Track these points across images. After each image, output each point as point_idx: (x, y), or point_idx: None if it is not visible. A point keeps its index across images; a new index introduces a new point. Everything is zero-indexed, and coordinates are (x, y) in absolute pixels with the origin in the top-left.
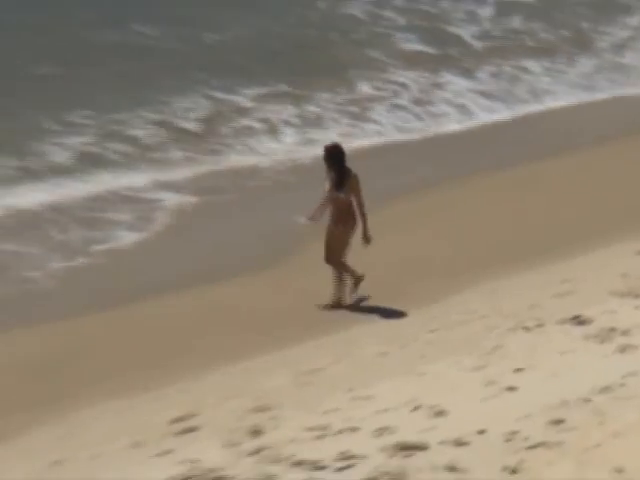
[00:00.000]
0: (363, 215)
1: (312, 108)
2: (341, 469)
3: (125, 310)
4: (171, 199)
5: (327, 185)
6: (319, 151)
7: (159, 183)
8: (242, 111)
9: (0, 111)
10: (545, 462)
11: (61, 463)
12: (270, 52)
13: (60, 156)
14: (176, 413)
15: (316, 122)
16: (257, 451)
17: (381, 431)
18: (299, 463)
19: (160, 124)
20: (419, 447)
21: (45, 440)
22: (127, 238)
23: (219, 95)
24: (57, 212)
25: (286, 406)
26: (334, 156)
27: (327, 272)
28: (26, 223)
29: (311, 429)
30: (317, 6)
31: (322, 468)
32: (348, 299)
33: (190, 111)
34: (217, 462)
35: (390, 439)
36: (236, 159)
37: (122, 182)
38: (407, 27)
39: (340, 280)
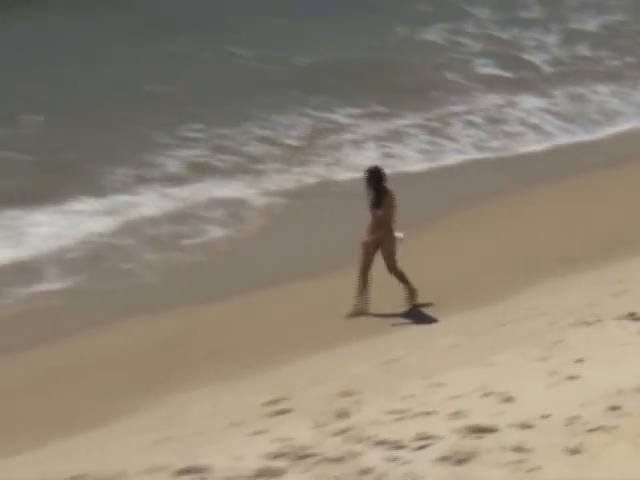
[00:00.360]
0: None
1: (397, 126)
2: (419, 448)
3: (222, 303)
4: (267, 205)
5: (367, 203)
6: (403, 166)
7: (259, 191)
8: (336, 128)
9: (120, 125)
10: (603, 444)
11: (168, 440)
12: (357, 74)
13: (172, 166)
14: (270, 396)
15: (400, 139)
16: (343, 431)
17: (455, 415)
18: (380, 443)
19: (262, 139)
20: (489, 429)
21: (153, 419)
22: (224, 239)
23: (314, 113)
24: (168, 216)
25: (369, 391)
26: (374, 177)
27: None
28: (140, 225)
29: (391, 412)
30: (396, 31)
31: (401, 447)
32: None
33: (289, 127)
34: (307, 441)
35: (463, 422)
36: (328, 171)
37: (224, 190)
38: (481, 52)
39: (361, 290)
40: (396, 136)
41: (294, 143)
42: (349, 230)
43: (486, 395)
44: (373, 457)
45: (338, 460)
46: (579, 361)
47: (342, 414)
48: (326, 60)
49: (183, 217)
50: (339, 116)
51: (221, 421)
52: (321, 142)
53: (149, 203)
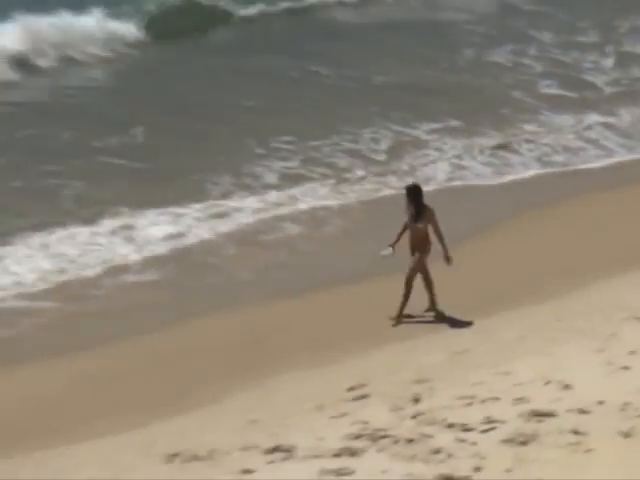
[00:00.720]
0: (442, 239)
1: (469, 141)
2: (485, 431)
3: (305, 298)
4: (348, 211)
5: (407, 218)
6: (473, 179)
7: (342, 199)
8: (414, 142)
9: (218, 137)
10: None
11: (259, 421)
12: (431, 92)
13: (266, 175)
14: (350, 383)
15: (471, 153)
16: (416, 415)
17: (518, 401)
18: (451, 425)
19: (349, 151)
20: (549, 414)
21: (246, 402)
22: (309, 240)
23: (393, 127)
24: (261, 220)
25: (440, 379)
26: (413, 194)
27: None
28: (237, 228)
29: (461, 398)
30: (464, 54)
31: (469, 430)
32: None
33: (372, 141)
34: (384, 423)
35: (525, 407)
36: (403, 182)
37: (312, 196)
38: (544, 73)
39: (405, 298)
40: (468, 150)
41: (376, 156)
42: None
43: (547, 383)
44: (444, 438)
45: (412, 441)
46: (632, 353)
47: (416, 399)
48: (402, 79)
49: (274, 221)
50: (418, 131)
51: (306, 405)
52: (400, 154)
53: (245, 208)
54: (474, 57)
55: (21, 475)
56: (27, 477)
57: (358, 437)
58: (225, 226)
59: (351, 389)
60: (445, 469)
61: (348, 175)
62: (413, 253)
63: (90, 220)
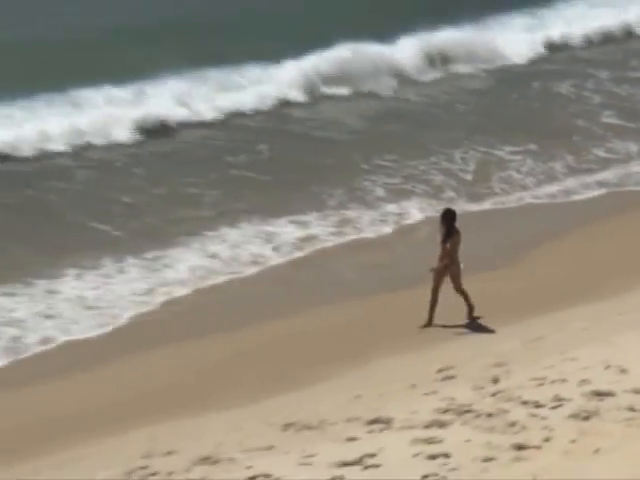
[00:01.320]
0: (449, 258)
1: (547, 165)
2: (554, 407)
3: (397, 294)
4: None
5: (438, 237)
6: (546, 198)
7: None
8: (498, 162)
9: (332, 153)
10: None
11: (360, 397)
12: (509, 119)
13: (375, 191)
14: (439, 366)
15: (549, 174)
16: (495, 393)
17: (582, 382)
18: (524, 402)
19: (443, 170)
20: (608, 394)
21: (351, 381)
22: (403, 244)
23: (482, 149)
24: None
25: (516, 363)
26: (448, 218)
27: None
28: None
29: (534, 379)
30: (532, 86)
31: (540, 406)
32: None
33: (464, 161)
34: (467, 400)
35: (588, 388)
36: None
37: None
38: (603, 105)
39: (433, 306)
40: (546, 172)
41: (466, 176)
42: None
43: (607, 367)
44: (518, 413)
45: (491, 415)
46: None
47: (495, 380)
48: (483, 107)
49: (380, 228)
50: (501, 152)
51: (402, 384)
52: (486, 173)
53: (361, 219)
54: (541, 89)
55: (171, 436)
56: (173, 438)
57: (445, 411)
58: (340, 232)
59: (440, 371)
60: (519, 439)
61: (441, 193)
62: (442, 274)
63: (231, 225)
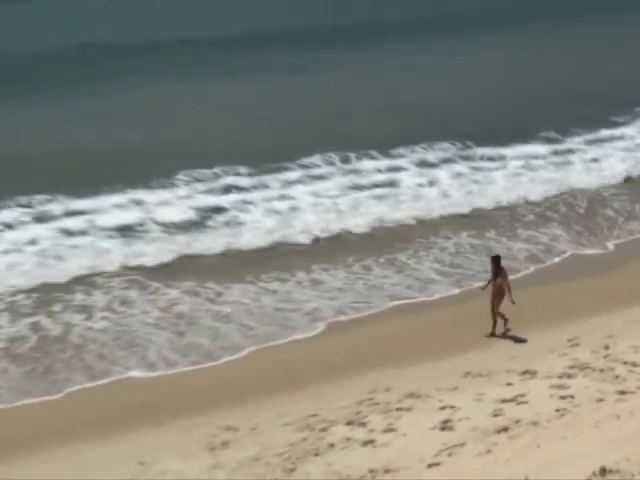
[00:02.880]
0: (509, 290)
1: None
2: None
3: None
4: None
5: (491, 274)
6: None
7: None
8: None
9: None
10: None
11: (515, 357)
12: None
13: None
14: (569, 337)
15: None
16: (606, 356)
17: None
18: (626, 362)
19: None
20: None
21: (507, 346)
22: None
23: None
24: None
25: (621, 335)
26: (497, 261)
27: None
28: None
29: (633, 347)
30: None
31: (637, 365)
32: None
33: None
34: (587, 360)
35: None
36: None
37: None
38: None
39: (495, 321)
40: None
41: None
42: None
43: None
44: (621, 369)
45: (602, 371)
46: None
47: (606, 347)
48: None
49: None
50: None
51: (544, 348)
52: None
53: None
54: None
55: (389, 379)
56: (391, 380)
57: (572, 367)
58: None
59: (569, 340)
60: (621, 387)
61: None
62: (493, 299)
63: None
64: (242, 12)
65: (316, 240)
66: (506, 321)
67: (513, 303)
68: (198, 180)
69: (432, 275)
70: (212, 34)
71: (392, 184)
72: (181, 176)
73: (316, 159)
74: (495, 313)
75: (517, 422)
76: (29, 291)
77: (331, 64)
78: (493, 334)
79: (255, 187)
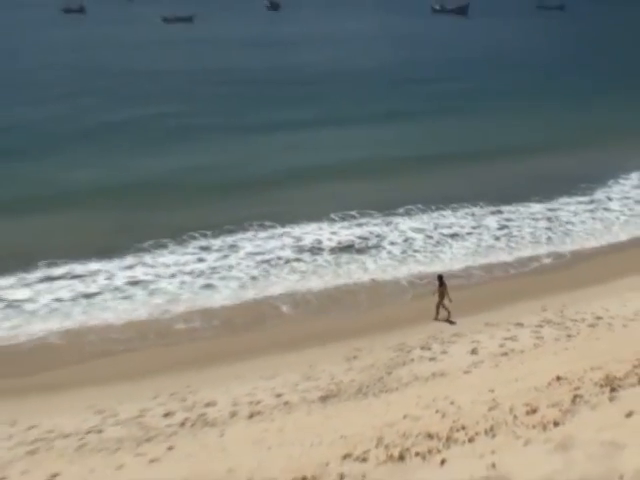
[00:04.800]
0: (447, 295)
1: None
2: None
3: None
4: None
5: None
6: None
7: None
8: None
9: None
10: None
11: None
12: None
13: None
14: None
15: None
16: (562, 316)
17: None
18: (572, 320)
19: None
20: None
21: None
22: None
23: None
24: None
25: (570, 305)
26: (439, 278)
27: None
28: None
29: (577, 312)
30: None
31: (578, 321)
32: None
33: None
34: (550, 318)
35: None
36: None
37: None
38: None
39: (437, 311)
40: None
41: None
42: None
43: None
44: (570, 324)
45: (559, 324)
46: None
47: (562, 311)
48: None
49: None
50: None
51: (526, 312)
52: None
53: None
54: None
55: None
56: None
57: (542, 321)
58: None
59: (542, 308)
60: (569, 333)
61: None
62: (439, 296)
63: None
64: None
65: None
66: (449, 313)
67: (450, 301)
68: None
69: None
70: None
71: None
72: None
73: None
74: (438, 307)
75: (512, 350)
76: None
77: None
78: (436, 319)
79: None
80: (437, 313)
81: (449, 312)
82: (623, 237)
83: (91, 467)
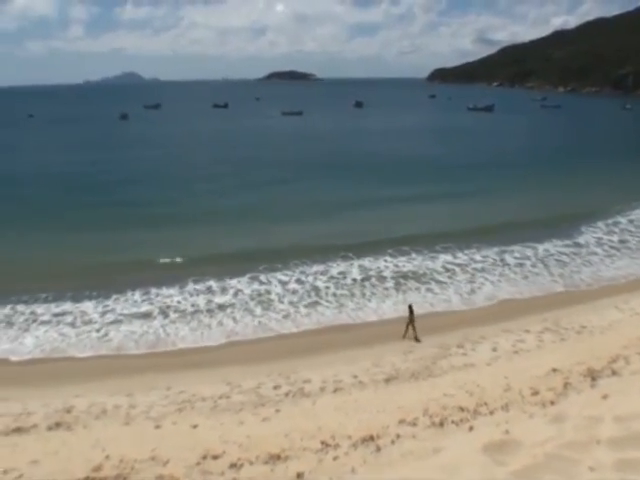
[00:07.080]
0: (413, 321)
1: None
2: None
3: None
4: None
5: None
6: None
7: None
8: None
9: None
10: None
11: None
12: None
13: None
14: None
15: None
16: (557, 325)
17: None
18: (564, 328)
19: None
20: None
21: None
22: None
23: None
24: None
25: (564, 318)
26: (409, 307)
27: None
28: None
29: (569, 322)
30: None
31: (568, 329)
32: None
33: None
34: (548, 326)
35: None
36: None
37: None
38: None
39: (406, 331)
40: None
41: None
42: None
43: None
44: (562, 330)
45: (554, 330)
46: None
47: (556, 323)
48: None
49: None
50: None
51: (533, 323)
52: None
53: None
54: None
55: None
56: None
57: (544, 329)
58: None
59: (543, 319)
60: (561, 337)
61: None
62: (408, 323)
63: None
64: None
65: None
66: (416, 334)
67: (414, 329)
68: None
69: None
70: None
71: None
72: None
73: None
74: (407, 328)
75: (521, 349)
76: None
77: None
78: (404, 336)
79: None
80: (405, 332)
81: (415, 333)
82: (605, 273)
83: (221, 422)
